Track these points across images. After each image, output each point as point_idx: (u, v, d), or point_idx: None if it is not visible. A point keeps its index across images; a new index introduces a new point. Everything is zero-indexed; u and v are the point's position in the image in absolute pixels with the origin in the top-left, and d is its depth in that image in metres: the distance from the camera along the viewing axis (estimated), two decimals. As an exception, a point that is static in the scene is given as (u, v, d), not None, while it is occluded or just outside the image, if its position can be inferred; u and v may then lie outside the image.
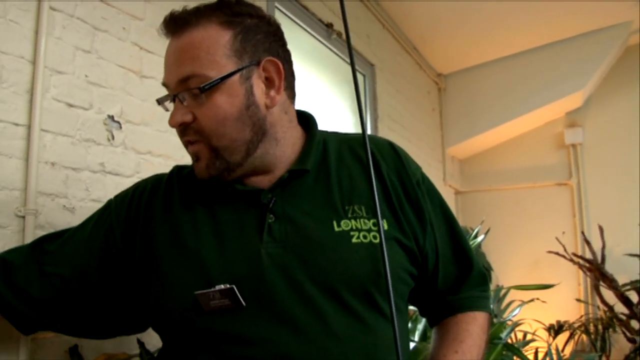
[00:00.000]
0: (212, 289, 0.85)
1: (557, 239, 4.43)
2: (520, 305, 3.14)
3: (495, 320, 3.00)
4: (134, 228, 0.99)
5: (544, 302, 3.22)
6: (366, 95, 3.57)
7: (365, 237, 0.92)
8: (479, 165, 5.39)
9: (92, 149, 1.60)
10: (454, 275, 1.06)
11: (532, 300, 3.12)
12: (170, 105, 0.97)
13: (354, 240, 0.91)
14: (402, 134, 4.08)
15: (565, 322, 4.41)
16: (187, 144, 0.94)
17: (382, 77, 3.79)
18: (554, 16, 4.12)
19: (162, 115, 1.83)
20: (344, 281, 0.89)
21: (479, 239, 2.56)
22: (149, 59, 1.83)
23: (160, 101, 0.99)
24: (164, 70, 0.95)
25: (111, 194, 1.62)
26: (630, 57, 4.72)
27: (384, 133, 3.72)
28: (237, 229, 0.92)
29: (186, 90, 0.90)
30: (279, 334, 0.85)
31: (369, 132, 3.55)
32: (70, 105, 1.55)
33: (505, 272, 4.94)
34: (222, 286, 0.85)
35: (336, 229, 0.92)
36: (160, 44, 1.84)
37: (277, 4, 2.61)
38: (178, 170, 1.07)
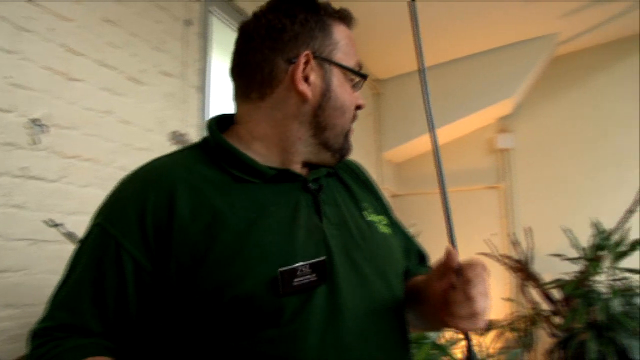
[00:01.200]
0: (302, 263, 0.83)
1: (486, 240, 4.60)
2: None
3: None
4: (161, 241, 0.84)
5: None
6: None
7: (384, 228, 1.04)
8: (415, 169, 5.52)
9: (13, 153, 1.56)
10: (416, 252, 1.20)
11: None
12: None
13: (380, 229, 1.03)
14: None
15: (494, 320, 4.59)
16: (353, 122, 1.01)
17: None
18: (486, 26, 4.28)
19: (91, 119, 1.81)
20: (388, 264, 0.98)
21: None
22: (78, 61, 1.79)
23: (365, 77, 1.01)
24: (356, 52, 1.01)
25: (33, 199, 1.59)
26: (558, 66, 4.96)
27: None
28: (293, 209, 0.91)
29: None
30: (343, 314, 0.85)
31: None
32: (-9, 108, 1.51)
33: (438, 273, 5.08)
34: (314, 260, 0.84)
35: (367, 218, 1.02)
36: (92, 47, 1.82)
37: (212, 9, 2.61)
38: (169, 166, 0.92)
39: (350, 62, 0.97)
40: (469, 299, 0.80)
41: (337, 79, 0.96)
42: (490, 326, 4.49)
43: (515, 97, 4.76)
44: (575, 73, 5.01)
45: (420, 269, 1.14)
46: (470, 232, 5.03)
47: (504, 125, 5.23)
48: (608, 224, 3.81)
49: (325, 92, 0.95)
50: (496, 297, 4.85)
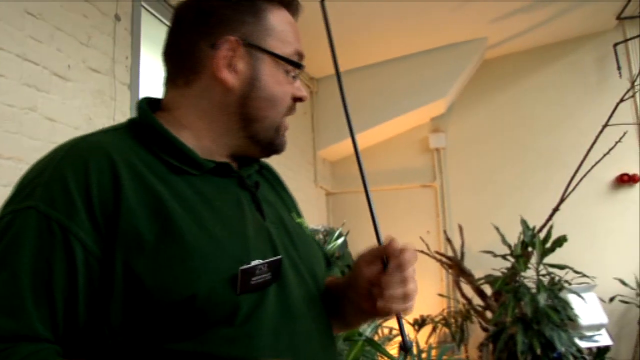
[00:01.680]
0: (260, 262, 0.79)
1: (421, 238, 4.70)
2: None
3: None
4: (109, 224, 0.74)
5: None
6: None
7: (308, 231, 1.03)
8: (349, 168, 5.57)
9: None
10: None
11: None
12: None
13: (306, 231, 1.03)
14: (275, 136, 4.11)
15: (428, 316, 4.69)
16: (286, 117, 0.95)
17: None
18: (420, 28, 4.37)
19: (14, 116, 1.71)
20: (316, 264, 0.98)
21: (340, 240, 2.64)
22: (-3, 55, 1.70)
23: (301, 67, 0.93)
24: (299, 41, 0.93)
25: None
26: (488, 69, 5.13)
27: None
28: (237, 206, 0.87)
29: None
30: (290, 313, 0.84)
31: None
32: None
33: (374, 270, 5.14)
34: (272, 258, 0.82)
35: (296, 219, 1.01)
36: (13, 40, 1.72)
37: (143, 4, 2.53)
38: (104, 144, 0.80)
39: (286, 50, 0.90)
40: (402, 280, 0.83)
41: (267, 68, 0.89)
42: (424, 321, 4.59)
43: (448, 98, 4.89)
44: (504, 76, 5.20)
45: (329, 272, 1.13)
46: (406, 230, 5.12)
47: (436, 125, 5.36)
48: (536, 222, 3.96)
49: (253, 82, 0.88)
50: (431, 293, 4.96)
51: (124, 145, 0.81)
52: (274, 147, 0.94)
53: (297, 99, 0.94)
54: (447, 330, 4.64)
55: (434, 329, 4.63)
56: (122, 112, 2.31)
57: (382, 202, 5.36)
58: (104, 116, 2.18)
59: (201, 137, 0.89)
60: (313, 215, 4.95)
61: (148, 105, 0.90)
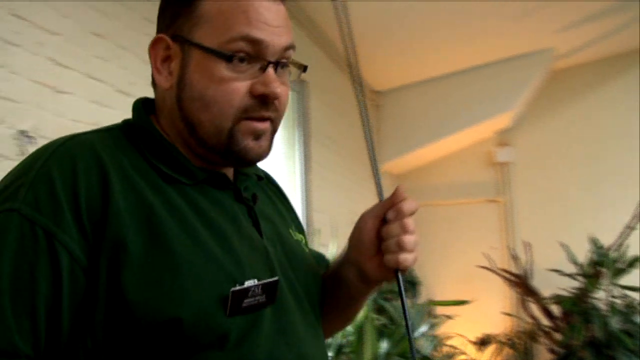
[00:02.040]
0: (254, 283, 0.72)
1: (484, 254, 4.58)
2: (435, 321, 3.22)
3: (415, 334, 3.08)
4: (96, 231, 0.68)
5: (454, 317, 3.28)
6: (297, 112, 3.61)
7: (305, 248, 0.97)
8: (414, 181, 5.51)
9: (1, 164, 1.57)
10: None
11: (449, 317, 3.19)
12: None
13: (305, 250, 0.96)
14: (334, 149, 4.14)
15: (492, 335, 4.56)
16: (258, 119, 0.78)
17: (314, 93, 3.84)
18: (485, 39, 4.29)
19: (80, 131, 1.81)
20: (314, 285, 0.92)
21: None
22: (66, 74, 1.81)
23: (240, 58, 0.75)
24: (254, 22, 0.75)
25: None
26: (557, 80, 4.96)
27: (316, 149, 3.76)
28: (233, 221, 0.79)
29: (286, 60, 0.80)
30: (288, 337, 0.78)
31: (300, 149, 3.60)
32: (-23, 122, 1.52)
33: (437, 286, 5.06)
34: (267, 280, 0.75)
35: (294, 236, 0.95)
36: (80, 60, 1.83)
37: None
38: (95, 144, 0.75)
39: (222, 37, 0.74)
40: (404, 230, 0.81)
41: (195, 63, 0.76)
42: (488, 340, 4.47)
43: (513, 111, 4.76)
44: (574, 87, 5.02)
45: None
46: (469, 245, 5.01)
47: (502, 138, 5.23)
48: (606, 240, 3.78)
49: (181, 80, 0.77)
50: (495, 311, 4.82)
51: (115, 147, 0.75)
52: (234, 154, 0.78)
53: (259, 96, 0.76)
54: (512, 351, 4.48)
55: (498, 349, 4.49)
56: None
57: (447, 216, 5.28)
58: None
59: (182, 144, 0.80)
60: (375, 229, 4.92)
61: (145, 106, 0.83)
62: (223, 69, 0.74)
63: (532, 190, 5.06)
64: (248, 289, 0.72)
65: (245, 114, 0.76)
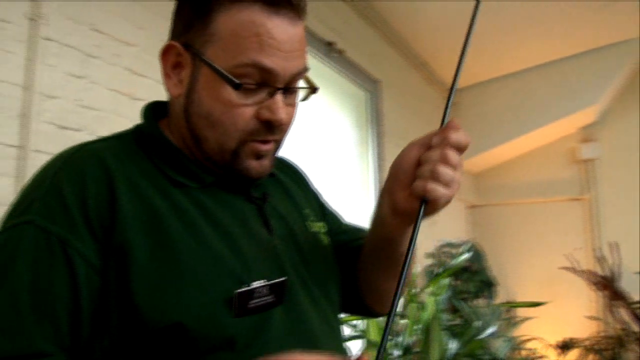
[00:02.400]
0: (261, 284, 0.73)
1: (568, 255, 4.40)
2: (517, 322, 3.13)
3: (484, 334, 3.01)
4: (106, 236, 0.71)
5: (533, 318, 3.17)
6: (370, 112, 3.63)
7: (325, 239, 0.94)
8: (493, 179, 5.38)
9: (83, 168, 1.70)
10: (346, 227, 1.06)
11: (526, 319, 3.10)
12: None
13: (322, 242, 0.93)
14: (409, 149, 4.11)
15: (576, 339, 4.37)
16: (263, 142, 0.79)
17: (387, 93, 3.84)
18: (565, 31, 4.12)
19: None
20: (331, 280, 0.90)
21: (465, 255, 2.58)
22: (142, 82, 1.93)
23: (248, 88, 0.74)
24: (266, 49, 0.73)
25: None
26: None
27: (390, 149, 3.76)
28: (241, 222, 0.80)
29: (295, 85, 0.79)
30: (300, 337, 0.77)
31: (373, 149, 3.60)
32: (62, 128, 1.66)
33: (518, 288, 4.91)
34: (274, 280, 0.75)
35: (310, 229, 0.92)
36: (154, 69, 1.94)
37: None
38: (102, 154, 0.76)
39: (231, 61, 0.73)
40: (443, 160, 0.73)
41: (204, 80, 0.75)
42: (571, 345, 4.29)
43: (598, 105, 4.55)
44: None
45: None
46: (552, 245, 4.84)
47: (587, 134, 5.00)
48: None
49: (190, 94, 0.77)
50: (579, 315, 4.62)
51: (125, 154, 0.77)
52: (236, 172, 0.79)
53: (264, 121, 0.76)
54: (597, 357, 4.28)
55: (582, 355, 4.30)
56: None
57: (528, 215, 5.12)
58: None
59: (190, 149, 0.81)
60: (452, 229, 4.86)
61: (158, 109, 0.85)
62: (231, 93, 0.74)
63: (619, 187, 4.80)
64: (254, 289, 0.72)
65: (250, 137, 0.77)
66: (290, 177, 1.00)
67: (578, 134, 5.01)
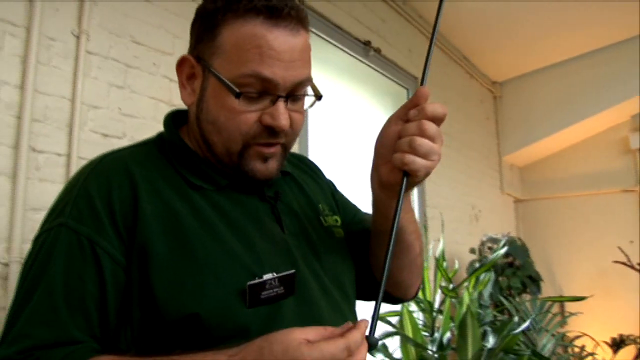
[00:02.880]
0: (271, 276, 0.79)
1: (620, 248, 4.28)
2: (565, 317, 3.06)
3: (526, 329, 2.98)
4: (130, 235, 0.78)
5: (579, 314, 3.11)
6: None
7: (339, 232, 0.99)
8: (540, 173, 5.27)
9: (126, 173, 1.81)
10: (361, 216, 1.09)
11: (570, 314, 3.04)
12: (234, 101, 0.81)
13: (336, 234, 0.98)
14: (450, 144, 4.10)
15: (629, 336, 4.24)
16: (267, 145, 0.84)
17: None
18: (610, 18, 4.00)
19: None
20: (345, 273, 0.95)
21: (503, 250, 2.57)
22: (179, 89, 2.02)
23: (249, 96, 0.80)
24: (266, 60, 0.78)
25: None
26: None
27: (430, 144, 3.76)
28: (255, 220, 0.86)
29: (300, 93, 0.84)
30: (312, 324, 0.76)
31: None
32: (105, 136, 1.76)
33: (568, 282, 4.81)
34: (284, 273, 0.80)
35: (324, 224, 0.97)
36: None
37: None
38: (127, 160, 0.84)
39: (234, 72, 0.79)
40: (421, 132, 0.75)
41: (212, 89, 0.82)
42: (623, 341, 4.18)
43: (650, 92, 4.39)
44: None
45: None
46: (602, 239, 4.71)
47: (638, 123, 4.83)
48: None
49: (200, 103, 0.84)
50: (632, 310, 4.48)
51: (148, 160, 0.85)
52: (244, 174, 0.85)
53: (267, 127, 0.81)
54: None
55: (637, 352, 4.17)
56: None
57: (575, 209, 5.00)
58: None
59: (207, 152, 0.88)
60: (500, 223, 4.80)
61: (174, 117, 0.92)
62: (234, 101, 0.79)
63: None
64: (265, 281, 0.78)
65: (254, 140, 0.82)
66: (305, 173, 1.06)
67: (629, 122, 4.86)
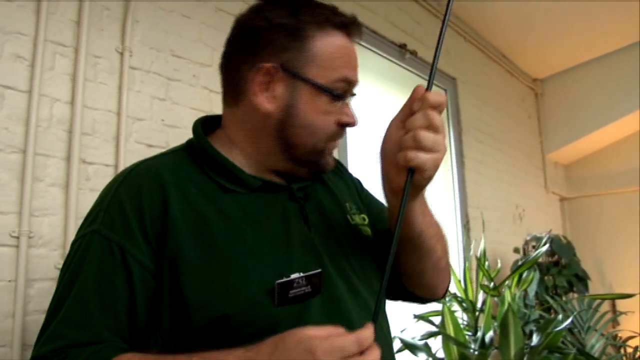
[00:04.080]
0: (298, 275, 0.81)
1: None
2: (614, 317, 2.99)
3: (574, 329, 2.93)
4: (160, 242, 0.82)
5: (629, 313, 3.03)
6: (448, 109, 3.64)
7: (366, 231, 1.01)
8: (586, 170, 5.16)
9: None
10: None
11: (620, 314, 2.97)
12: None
13: (363, 233, 1.00)
14: (491, 144, 4.07)
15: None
16: (335, 140, 0.93)
17: (465, 89, 3.83)
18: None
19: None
20: (372, 271, 0.96)
21: (544, 248, 2.54)
22: (218, 99, 2.08)
23: (341, 98, 0.90)
24: (349, 66, 0.91)
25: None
26: None
27: (470, 145, 3.75)
28: (282, 220, 0.89)
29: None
30: (336, 323, 0.78)
31: (455, 145, 3.61)
32: (150, 146, 1.85)
33: (619, 281, 4.69)
34: (311, 272, 0.83)
35: (351, 222, 1.00)
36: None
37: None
38: (157, 168, 0.88)
39: (329, 78, 0.87)
40: (426, 122, 0.76)
41: (305, 95, 0.87)
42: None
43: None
44: None
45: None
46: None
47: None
48: None
49: (289, 109, 0.88)
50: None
51: (179, 167, 0.88)
52: (318, 168, 0.94)
53: (344, 125, 0.92)
54: None
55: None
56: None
57: (623, 205, 4.88)
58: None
59: (249, 156, 0.92)
60: (545, 222, 4.72)
61: (206, 124, 0.97)
62: (328, 104, 0.89)
63: None
64: (293, 280, 0.80)
65: (332, 139, 0.92)
66: (331, 172, 1.06)
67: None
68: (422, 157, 0.75)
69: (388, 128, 0.84)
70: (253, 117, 0.90)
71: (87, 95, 1.69)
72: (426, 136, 0.75)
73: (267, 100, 0.88)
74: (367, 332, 0.67)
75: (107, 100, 1.75)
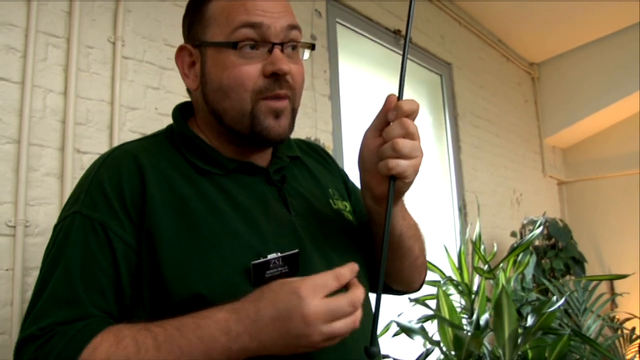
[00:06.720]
0: (275, 256, 0.81)
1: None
2: (610, 299, 3.01)
3: (569, 310, 2.96)
4: (139, 220, 0.83)
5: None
6: (444, 94, 3.64)
7: (348, 216, 1.02)
8: (584, 154, 5.17)
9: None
10: None
11: (616, 295, 2.99)
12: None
13: (345, 217, 1.01)
14: (488, 129, 4.08)
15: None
16: (275, 98, 0.86)
17: (460, 74, 3.83)
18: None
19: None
20: (356, 254, 0.97)
21: (538, 230, 2.56)
22: (212, 88, 2.11)
23: (246, 44, 0.85)
24: (249, 11, 0.85)
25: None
26: None
27: (466, 130, 3.76)
28: (261, 202, 0.90)
29: (293, 40, 0.89)
30: None
31: (450, 130, 3.62)
32: (144, 135, 1.86)
33: (617, 263, 4.71)
34: (288, 252, 0.83)
35: (334, 206, 1.00)
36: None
37: (338, 20, 2.81)
38: (136, 151, 0.89)
39: (227, 31, 0.86)
40: (403, 130, 0.78)
41: (210, 59, 0.88)
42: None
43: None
44: None
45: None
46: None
47: (685, 97, 4.67)
48: None
49: (203, 79, 0.90)
50: None
51: (157, 150, 0.90)
52: (257, 135, 0.88)
53: (270, 75, 0.85)
54: None
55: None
56: (324, 121, 2.60)
57: (621, 189, 4.90)
58: (307, 126, 2.50)
59: (215, 138, 0.93)
60: (543, 206, 4.74)
61: (186, 110, 0.98)
62: (233, 57, 0.85)
63: None
64: (269, 261, 0.81)
65: (261, 95, 0.86)
66: (315, 159, 1.09)
67: (675, 97, 4.70)
68: (402, 164, 0.78)
69: (364, 138, 0.85)
70: (195, 100, 0.95)
71: (80, 86, 1.70)
72: (405, 144, 0.77)
73: (192, 81, 0.92)
74: (346, 270, 0.72)
75: (100, 90, 1.77)
